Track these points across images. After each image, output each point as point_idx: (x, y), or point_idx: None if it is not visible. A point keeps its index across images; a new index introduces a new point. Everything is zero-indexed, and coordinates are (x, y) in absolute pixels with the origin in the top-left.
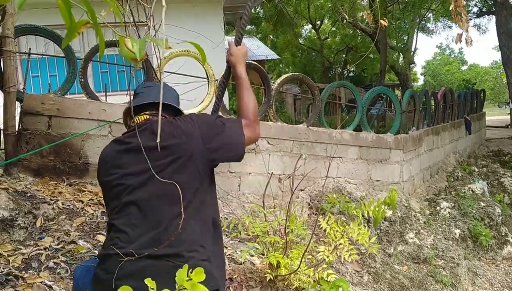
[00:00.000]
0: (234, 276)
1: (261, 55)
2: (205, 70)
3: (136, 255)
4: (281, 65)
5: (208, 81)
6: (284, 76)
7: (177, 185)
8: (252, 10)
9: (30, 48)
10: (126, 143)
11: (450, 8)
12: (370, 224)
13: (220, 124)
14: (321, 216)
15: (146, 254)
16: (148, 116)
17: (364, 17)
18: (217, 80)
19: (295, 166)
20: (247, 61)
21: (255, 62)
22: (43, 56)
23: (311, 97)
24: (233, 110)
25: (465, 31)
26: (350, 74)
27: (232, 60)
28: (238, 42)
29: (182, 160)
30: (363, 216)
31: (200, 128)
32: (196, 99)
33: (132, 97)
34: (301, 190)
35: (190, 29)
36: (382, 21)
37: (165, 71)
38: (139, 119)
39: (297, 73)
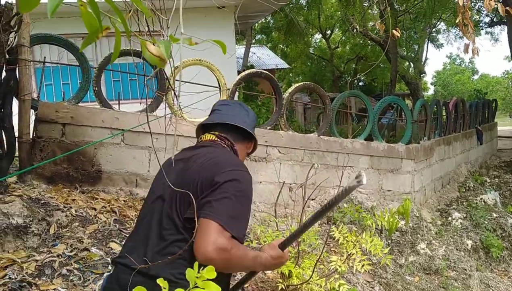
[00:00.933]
0: (246, 286)
1: (271, 64)
2: (217, 79)
3: (132, 269)
4: (291, 74)
5: (220, 90)
6: (295, 85)
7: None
8: (263, 20)
9: (45, 57)
10: (184, 153)
11: (457, 21)
12: (381, 234)
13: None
14: (332, 226)
15: (144, 270)
16: (214, 137)
17: (377, 27)
18: (228, 89)
19: (307, 175)
20: (258, 70)
21: (266, 72)
22: (57, 65)
23: (322, 107)
24: None
25: (472, 43)
26: (360, 84)
27: (265, 249)
28: (283, 246)
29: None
30: (376, 227)
31: (218, 186)
32: (208, 109)
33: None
34: (312, 199)
35: (203, 39)
36: (394, 32)
37: (177, 80)
38: (206, 137)
39: (308, 83)
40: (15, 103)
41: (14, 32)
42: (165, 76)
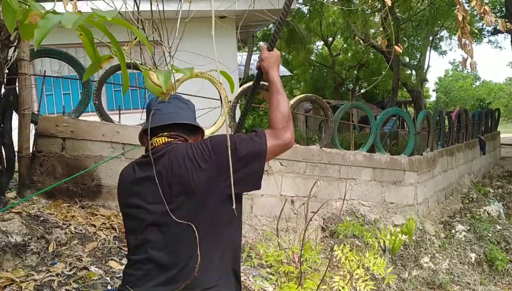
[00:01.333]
0: None
1: None
2: (218, 91)
3: None
4: (293, 81)
5: (222, 103)
6: (297, 97)
7: (194, 226)
8: (265, 28)
9: (45, 71)
10: (145, 170)
11: (457, 35)
12: (385, 253)
13: (237, 147)
14: (335, 246)
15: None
16: (167, 139)
17: (379, 42)
18: (230, 101)
19: (309, 192)
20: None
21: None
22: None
23: (324, 117)
24: (246, 130)
25: (470, 57)
26: (362, 91)
27: (264, 66)
28: (271, 46)
29: (198, 196)
30: (378, 243)
31: (215, 158)
32: (210, 120)
33: (146, 114)
34: (314, 212)
35: (203, 49)
36: (397, 48)
37: (178, 93)
38: (157, 142)
39: (310, 94)
40: (14, 117)
41: (14, 47)
42: None
